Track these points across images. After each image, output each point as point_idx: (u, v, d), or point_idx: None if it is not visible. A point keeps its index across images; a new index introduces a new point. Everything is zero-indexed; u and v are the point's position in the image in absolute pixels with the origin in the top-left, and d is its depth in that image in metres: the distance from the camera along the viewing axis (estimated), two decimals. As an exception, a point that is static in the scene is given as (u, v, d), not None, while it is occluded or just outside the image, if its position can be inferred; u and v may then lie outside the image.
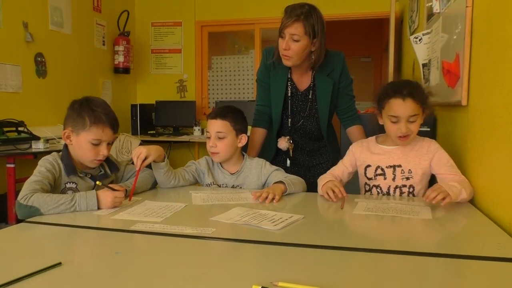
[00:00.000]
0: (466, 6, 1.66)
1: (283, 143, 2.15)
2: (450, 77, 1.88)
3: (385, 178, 1.72)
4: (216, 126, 1.84)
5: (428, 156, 1.67)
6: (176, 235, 1.19)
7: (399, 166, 1.70)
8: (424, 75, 2.50)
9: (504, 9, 1.34)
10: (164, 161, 1.82)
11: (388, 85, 1.72)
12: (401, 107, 1.61)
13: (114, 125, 1.65)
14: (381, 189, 1.74)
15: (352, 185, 1.86)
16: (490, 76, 1.46)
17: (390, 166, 1.71)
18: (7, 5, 3.49)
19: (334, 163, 2.27)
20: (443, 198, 1.43)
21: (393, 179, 1.71)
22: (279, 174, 1.87)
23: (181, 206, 1.52)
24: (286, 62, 1.99)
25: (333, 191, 1.60)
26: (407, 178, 1.69)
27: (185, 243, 1.14)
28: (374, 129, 1.84)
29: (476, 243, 1.19)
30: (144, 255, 1.06)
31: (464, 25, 1.68)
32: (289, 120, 2.16)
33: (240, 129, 1.90)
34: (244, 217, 1.35)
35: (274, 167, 1.93)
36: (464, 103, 1.70)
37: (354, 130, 2.18)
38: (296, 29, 1.89)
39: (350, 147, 1.87)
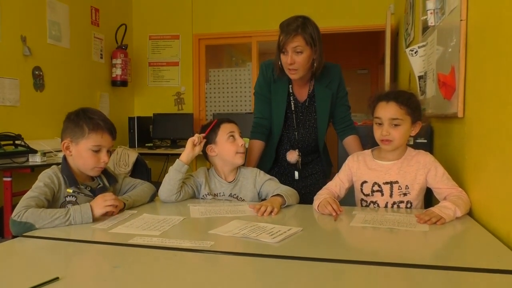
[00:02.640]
0: (461, 20, 1.68)
1: (294, 156, 2.16)
2: (446, 89, 1.90)
3: (382, 195, 1.71)
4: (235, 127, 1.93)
5: (424, 171, 1.67)
6: (175, 249, 1.18)
7: (396, 182, 1.69)
8: (420, 87, 2.52)
9: (497, 23, 1.36)
10: (188, 166, 1.86)
11: (380, 92, 1.75)
12: (383, 109, 1.66)
13: (112, 131, 1.66)
14: (378, 205, 1.73)
15: (350, 198, 1.86)
16: (486, 88, 1.47)
17: (387, 183, 1.70)
18: (5, 19, 3.51)
19: (326, 174, 2.28)
20: (437, 221, 1.43)
21: (390, 195, 1.70)
22: (272, 183, 1.89)
23: (179, 219, 1.51)
24: (294, 76, 2.03)
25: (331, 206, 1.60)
26: (405, 194, 1.69)
27: (184, 257, 1.14)
28: (372, 141, 1.84)
29: (474, 255, 1.19)
30: (143, 269, 1.05)
31: (459, 38, 1.70)
32: (290, 132, 2.18)
33: None
34: (243, 230, 1.35)
35: (268, 176, 1.94)
36: (460, 115, 1.71)
37: (350, 141, 2.19)
38: (296, 42, 1.93)
39: (346, 161, 1.85)
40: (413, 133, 1.69)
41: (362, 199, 1.78)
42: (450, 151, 1.95)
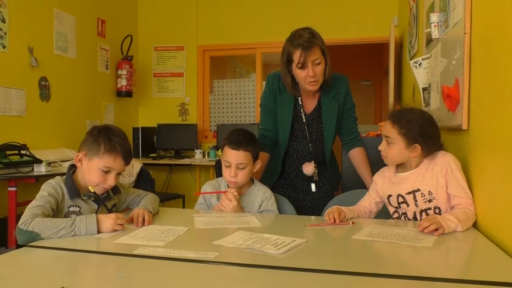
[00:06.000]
0: (464, 33, 1.69)
1: (310, 168, 2.14)
2: (450, 101, 1.90)
3: (408, 205, 1.70)
4: (239, 157, 1.84)
5: (443, 173, 1.63)
6: (179, 260, 1.18)
7: (418, 190, 1.66)
8: (424, 99, 2.52)
9: (501, 36, 1.37)
10: None
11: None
12: (383, 126, 1.72)
13: (127, 157, 1.66)
14: (407, 216, 1.71)
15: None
16: (490, 101, 1.47)
17: (409, 192, 1.68)
18: (13, 30, 3.56)
19: (334, 187, 2.28)
20: (436, 229, 1.42)
21: (416, 204, 1.68)
22: (270, 213, 1.90)
23: (183, 230, 1.51)
24: (314, 88, 2.02)
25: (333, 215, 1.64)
26: (430, 200, 1.65)
27: (188, 268, 1.14)
28: (375, 153, 1.84)
29: (479, 267, 1.18)
30: (147, 279, 1.05)
31: (462, 51, 1.71)
32: (297, 144, 2.17)
33: (257, 156, 1.92)
34: (247, 241, 1.35)
35: (273, 207, 1.92)
36: (464, 127, 1.71)
37: (356, 153, 2.19)
38: (315, 54, 1.94)
39: (373, 177, 1.87)
40: (412, 155, 1.65)
41: (394, 211, 1.77)
42: (455, 163, 1.95)
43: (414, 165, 1.70)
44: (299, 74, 1.98)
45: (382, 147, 1.71)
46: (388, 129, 1.67)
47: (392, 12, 4.72)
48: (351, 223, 1.66)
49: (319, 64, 1.95)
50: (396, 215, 1.77)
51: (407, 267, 1.18)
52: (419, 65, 2.49)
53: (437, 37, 2.19)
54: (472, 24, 1.67)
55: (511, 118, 1.28)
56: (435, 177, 1.64)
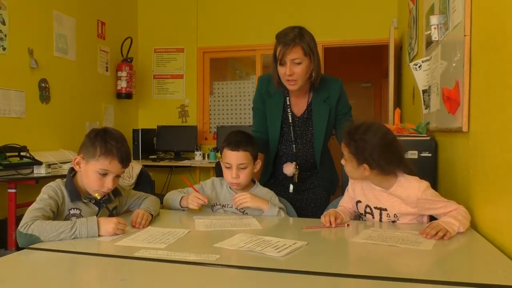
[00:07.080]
0: (464, 35, 1.69)
1: (290, 169, 2.13)
2: (450, 103, 1.91)
3: (373, 217, 1.72)
4: (239, 158, 1.85)
5: (412, 207, 1.62)
6: (180, 262, 1.18)
7: (385, 209, 1.68)
8: (424, 101, 2.53)
9: (501, 38, 1.37)
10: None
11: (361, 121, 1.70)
12: None
13: (123, 160, 1.64)
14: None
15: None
16: (490, 103, 1.48)
17: (377, 208, 1.70)
18: (13, 32, 3.56)
19: (328, 189, 2.25)
20: (444, 235, 1.42)
21: (380, 219, 1.70)
22: (281, 212, 1.89)
23: (184, 232, 1.51)
24: (292, 87, 2.01)
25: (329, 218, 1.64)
26: (393, 221, 1.68)
27: (189, 270, 1.14)
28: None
29: (479, 270, 1.18)
30: (148, 282, 1.05)
31: (462, 53, 1.71)
32: (287, 147, 2.16)
33: (256, 156, 1.92)
34: (248, 244, 1.35)
35: (280, 204, 1.92)
36: (464, 129, 1.72)
37: None
38: (296, 53, 1.92)
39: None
40: (365, 175, 1.62)
41: (361, 214, 1.79)
42: (455, 165, 1.95)
43: (385, 181, 1.65)
44: (279, 70, 1.99)
45: (342, 161, 1.70)
46: (343, 145, 1.66)
47: (391, 14, 4.72)
48: (346, 225, 1.66)
49: (298, 64, 1.94)
50: (361, 219, 1.79)
51: (407, 270, 1.18)
52: (419, 67, 2.49)
53: (437, 39, 2.19)
54: (472, 26, 1.67)
55: (511, 120, 1.28)
56: (404, 205, 1.64)
